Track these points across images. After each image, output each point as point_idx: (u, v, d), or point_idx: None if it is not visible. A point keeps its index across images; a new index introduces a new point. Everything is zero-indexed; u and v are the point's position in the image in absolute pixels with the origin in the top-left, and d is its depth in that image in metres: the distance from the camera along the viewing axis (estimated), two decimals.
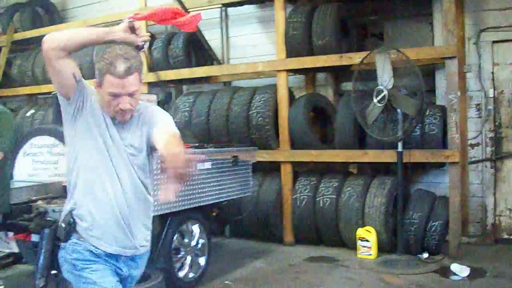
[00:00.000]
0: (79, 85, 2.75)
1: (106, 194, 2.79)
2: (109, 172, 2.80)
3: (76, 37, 2.66)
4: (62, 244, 2.90)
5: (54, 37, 2.63)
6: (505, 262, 6.76)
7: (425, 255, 6.89)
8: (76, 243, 2.84)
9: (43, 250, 4.64)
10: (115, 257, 2.88)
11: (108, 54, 2.70)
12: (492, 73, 7.72)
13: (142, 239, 2.96)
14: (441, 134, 7.14)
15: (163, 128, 2.78)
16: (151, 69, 9.35)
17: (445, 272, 6.38)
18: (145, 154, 2.90)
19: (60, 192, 5.43)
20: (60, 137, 5.58)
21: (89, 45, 2.75)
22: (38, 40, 11.64)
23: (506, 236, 7.76)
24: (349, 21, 8.25)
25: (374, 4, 8.60)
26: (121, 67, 2.65)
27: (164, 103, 7.70)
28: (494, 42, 7.71)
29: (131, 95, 2.72)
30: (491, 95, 7.70)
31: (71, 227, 2.83)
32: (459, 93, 6.94)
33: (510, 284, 5.98)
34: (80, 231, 2.83)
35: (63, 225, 2.85)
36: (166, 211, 5.52)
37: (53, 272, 4.65)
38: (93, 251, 2.82)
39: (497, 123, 7.77)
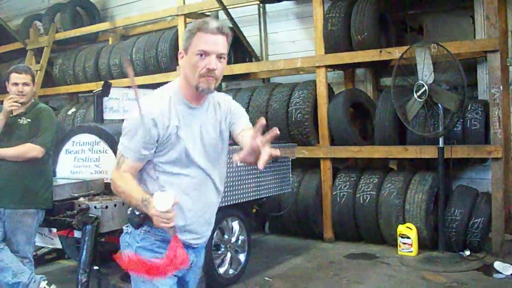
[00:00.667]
0: (152, 147, 2.74)
1: (183, 185, 2.80)
2: (183, 165, 2.80)
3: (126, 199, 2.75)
4: (130, 229, 2.87)
5: (114, 188, 2.78)
6: None
7: (467, 252, 6.80)
8: (148, 231, 2.81)
9: (85, 246, 4.73)
10: (186, 246, 2.81)
11: (201, 19, 2.78)
12: None
13: (209, 230, 3.04)
14: (483, 129, 7.02)
15: (247, 126, 2.88)
16: None
17: (488, 270, 6.28)
18: (219, 145, 2.93)
19: (101, 189, 5.52)
20: (101, 134, 5.66)
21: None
22: (79, 39, 11.88)
23: None
24: (388, 15, 8.18)
25: None
26: (213, 24, 2.67)
27: None
28: None
29: (219, 57, 2.69)
30: None
31: (146, 215, 2.71)
32: (501, 87, 6.81)
33: None
34: None
35: (136, 212, 2.77)
36: None
37: (96, 267, 4.72)
38: (165, 239, 2.77)
39: None
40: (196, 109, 2.82)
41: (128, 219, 2.85)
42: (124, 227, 2.94)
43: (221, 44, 2.68)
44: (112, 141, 5.56)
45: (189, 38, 2.69)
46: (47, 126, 4.96)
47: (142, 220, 2.77)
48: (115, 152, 5.46)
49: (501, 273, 6.15)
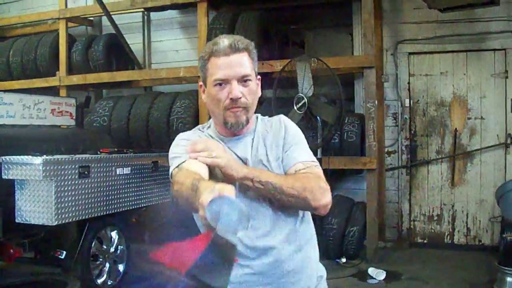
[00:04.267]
0: None
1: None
2: None
3: None
4: None
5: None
6: (419, 265, 6.97)
7: (344, 259, 7.02)
8: None
9: None
10: None
11: (212, 40, 2.24)
12: (408, 83, 7.97)
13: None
14: (359, 142, 7.28)
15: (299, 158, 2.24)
16: (71, 72, 9.14)
17: (363, 276, 6.53)
18: None
19: None
20: None
21: None
22: None
23: (420, 240, 8.01)
24: (271, 29, 8.32)
25: (296, 13, 8.71)
26: (224, 42, 2.14)
27: (83, 107, 7.55)
28: (410, 53, 7.97)
29: (242, 81, 2.15)
30: (407, 105, 7.93)
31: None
32: (376, 102, 7.11)
33: (423, 286, 6.17)
34: None
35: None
36: (84, 217, 5.41)
37: None
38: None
39: (412, 132, 8.02)
40: (233, 144, 2.28)
41: None
42: None
43: (240, 64, 2.14)
44: None
45: (204, 66, 2.20)
46: None
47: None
48: None
49: (374, 278, 6.41)
